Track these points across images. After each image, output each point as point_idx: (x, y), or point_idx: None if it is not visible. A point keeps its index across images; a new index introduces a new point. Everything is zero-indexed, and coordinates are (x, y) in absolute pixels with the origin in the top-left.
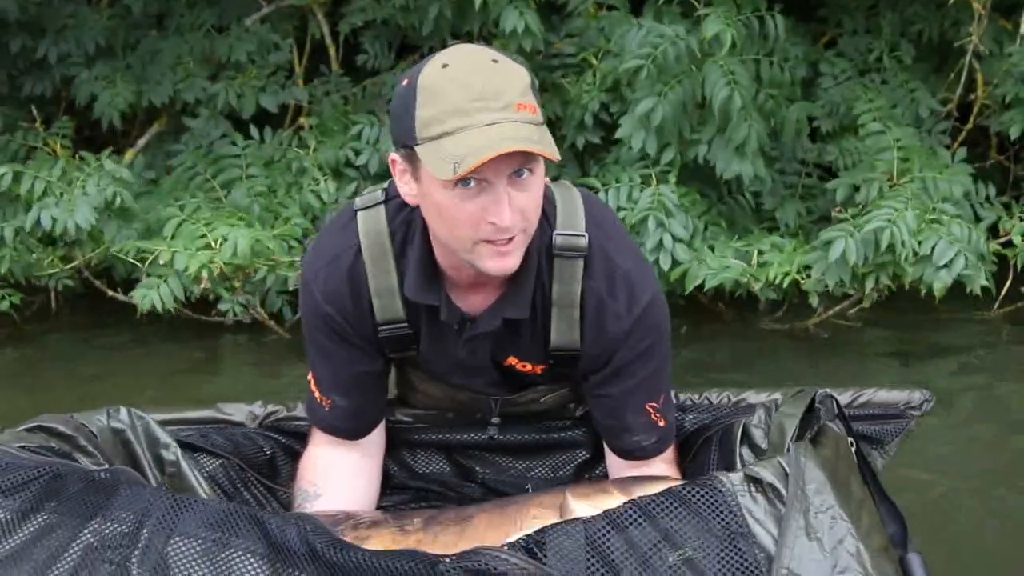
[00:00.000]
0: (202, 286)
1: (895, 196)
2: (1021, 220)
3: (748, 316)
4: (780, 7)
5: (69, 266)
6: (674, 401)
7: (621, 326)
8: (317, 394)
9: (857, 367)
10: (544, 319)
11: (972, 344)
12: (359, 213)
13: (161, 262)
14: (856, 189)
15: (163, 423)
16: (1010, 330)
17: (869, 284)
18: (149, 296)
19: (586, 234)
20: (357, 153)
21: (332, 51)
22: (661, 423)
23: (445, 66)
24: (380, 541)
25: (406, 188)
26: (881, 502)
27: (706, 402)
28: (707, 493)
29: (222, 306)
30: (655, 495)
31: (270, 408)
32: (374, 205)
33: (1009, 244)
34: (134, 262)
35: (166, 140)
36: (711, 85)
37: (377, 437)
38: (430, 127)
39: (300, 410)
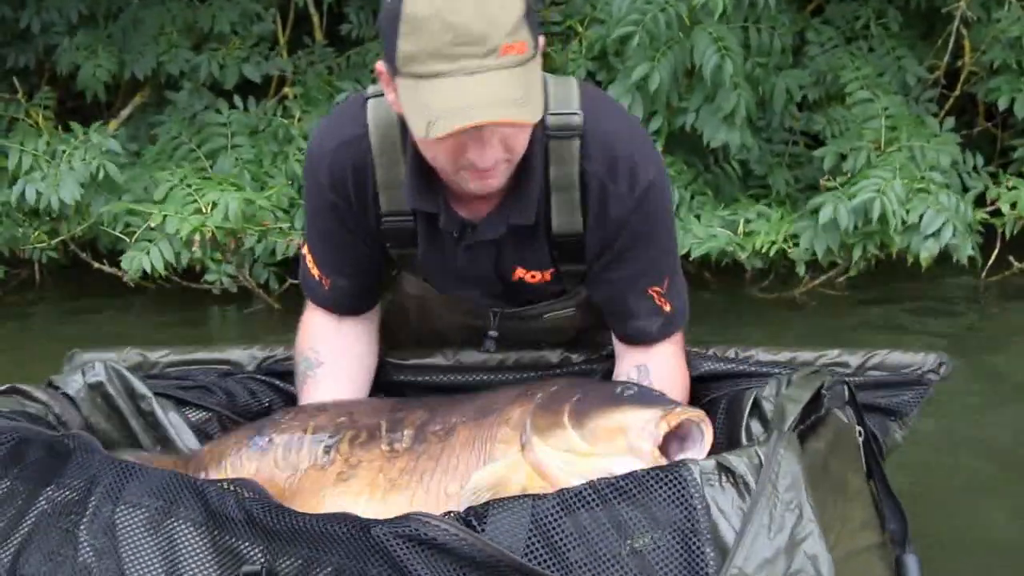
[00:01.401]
0: (194, 249)
1: (883, 165)
2: (1009, 189)
3: (735, 285)
4: None
5: (55, 240)
6: (683, 284)
7: (624, 208)
8: (316, 272)
9: (846, 337)
10: (544, 205)
11: (960, 311)
12: (369, 101)
13: (152, 225)
14: (843, 157)
15: (155, 369)
16: (997, 298)
17: (857, 253)
18: (138, 259)
19: (580, 112)
20: None
21: (316, 20)
22: (666, 308)
23: None
24: (369, 468)
25: (391, 98)
26: (885, 497)
27: (724, 355)
28: (671, 481)
29: (209, 276)
30: (615, 479)
31: (269, 352)
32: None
33: (997, 213)
34: (120, 235)
35: (149, 111)
36: (701, 53)
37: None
38: (410, 64)
39: None
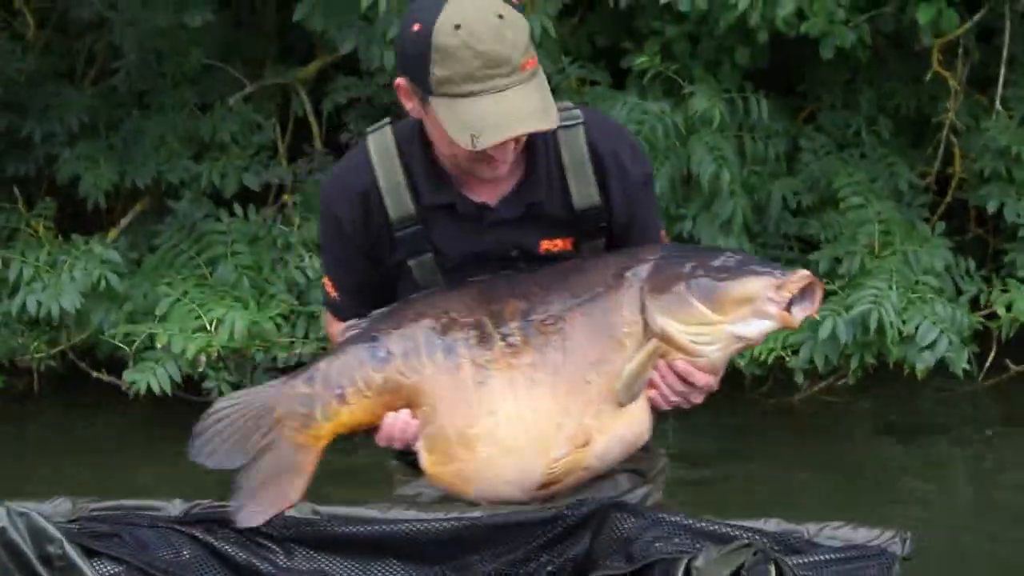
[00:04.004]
0: (200, 369)
1: (878, 271)
2: (1003, 291)
3: (734, 390)
4: (760, 83)
5: (55, 349)
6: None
7: (639, 170)
8: (337, 296)
9: (844, 446)
10: (563, 184)
11: (957, 417)
12: (369, 136)
13: (159, 346)
14: (839, 261)
15: (63, 520)
16: (994, 402)
17: (854, 363)
18: (143, 379)
19: (579, 109)
20: None
21: (315, 128)
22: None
23: (457, 27)
24: (499, 367)
25: (410, 106)
26: None
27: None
28: None
29: (208, 384)
30: None
31: (195, 502)
32: (381, 127)
33: (992, 316)
34: (121, 345)
35: (149, 219)
36: (698, 161)
37: None
38: (445, 86)
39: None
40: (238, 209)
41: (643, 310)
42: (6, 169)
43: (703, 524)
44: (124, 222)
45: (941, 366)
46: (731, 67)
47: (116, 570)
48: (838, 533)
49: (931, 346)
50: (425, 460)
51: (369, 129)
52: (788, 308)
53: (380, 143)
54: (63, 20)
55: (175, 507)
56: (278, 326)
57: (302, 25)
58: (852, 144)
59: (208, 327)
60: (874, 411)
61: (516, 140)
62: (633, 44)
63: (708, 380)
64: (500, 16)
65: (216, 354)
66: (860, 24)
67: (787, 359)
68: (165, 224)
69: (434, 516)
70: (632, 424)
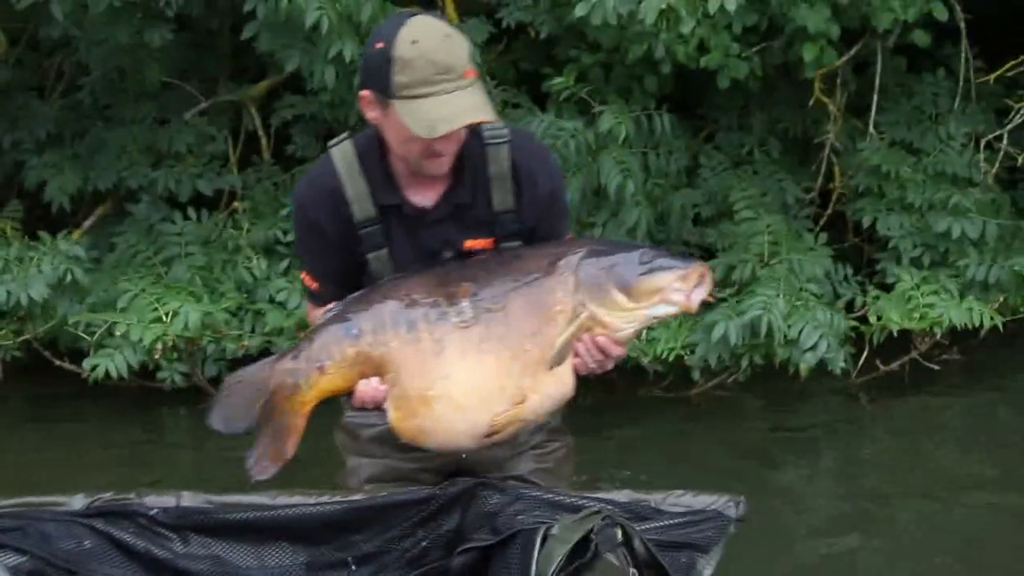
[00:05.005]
0: (157, 356)
1: (767, 280)
2: (875, 300)
3: (638, 385)
4: (666, 106)
5: (20, 339)
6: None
7: (548, 185)
8: (316, 286)
9: (735, 435)
10: (486, 193)
11: (834, 408)
12: (332, 149)
13: (118, 333)
14: (732, 268)
15: None
16: (866, 396)
17: (744, 362)
18: (103, 365)
19: (507, 129)
20: (286, 232)
21: (264, 142)
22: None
23: (415, 42)
24: (453, 339)
25: (372, 115)
26: None
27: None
28: None
29: (161, 374)
30: None
31: (98, 494)
32: (342, 140)
33: (864, 320)
34: (82, 335)
35: (110, 222)
36: (606, 174)
37: None
38: (405, 89)
39: (138, 496)
40: (192, 213)
41: (573, 293)
42: None
43: (561, 497)
44: (87, 224)
45: (823, 364)
46: (640, 92)
47: (20, 560)
48: (681, 500)
49: (813, 348)
50: (392, 416)
51: (331, 142)
52: (688, 296)
53: (343, 153)
54: (34, 38)
55: (78, 501)
56: (227, 322)
57: (254, 47)
58: (746, 161)
59: (164, 318)
60: (761, 405)
61: (458, 138)
62: (552, 70)
63: (621, 351)
64: (447, 35)
65: (171, 342)
66: (752, 56)
67: (686, 357)
68: (125, 226)
69: (318, 500)
70: (560, 384)
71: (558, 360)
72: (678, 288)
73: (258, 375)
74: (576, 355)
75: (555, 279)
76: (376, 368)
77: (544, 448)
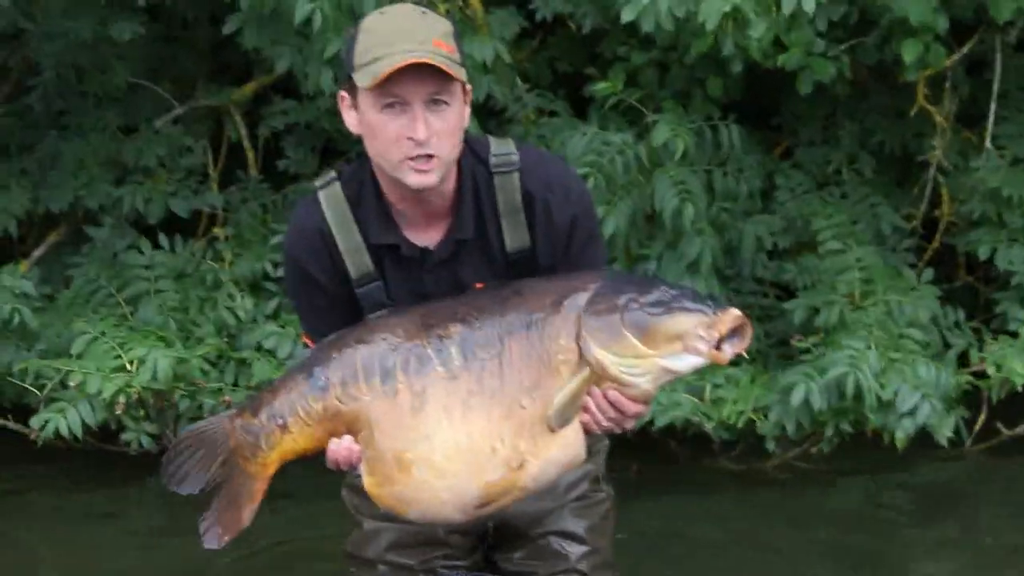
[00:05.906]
0: (118, 412)
1: (857, 326)
2: (995, 349)
3: (702, 455)
4: (734, 115)
5: None
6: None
7: (567, 213)
8: (310, 342)
9: (824, 520)
10: (497, 229)
11: (944, 485)
12: (319, 192)
13: (72, 385)
14: (816, 311)
15: None
16: (985, 469)
17: (829, 430)
18: (53, 421)
19: (518, 152)
20: (276, 266)
21: (250, 155)
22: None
23: (383, 13)
24: (435, 393)
25: (350, 119)
26: None
27: None
28: None
29: (127, 435)
30: None
31: None
32: (330, 182)
33: (982, 375)
34: (30, 387)
35: (65, 251)
36: (661, 197)
37: None
38: (363, 56)
39: None
40: (164, 240)
41: (578, 338)
42: None
43: None
44: (37, 253)
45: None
46: (703, 98)
47: None
48: None
49: (912, 413)
50: (367, 482)
51: (318, 183)
52: (719, 345)
53: (331, 198)
54: None
55: None
56: (204, 372)
57: (238, 42)
58: (832, 182)
59: (128, 366)
60: (854, 481)
61: (448, 132)
62: (596, 72)
63: (639, 409)
64: (424, 13)
65: (137, 396)
66: (840, 55)
67: (758, 423)
68: (82, 255)
69: None
70: (566, 448)
71: (561, 419)
72: (702, 336)
73: (218, 430)
74: (586, 411)
75: (558, 321)
76: (347, 425)
77: (588, 499)
